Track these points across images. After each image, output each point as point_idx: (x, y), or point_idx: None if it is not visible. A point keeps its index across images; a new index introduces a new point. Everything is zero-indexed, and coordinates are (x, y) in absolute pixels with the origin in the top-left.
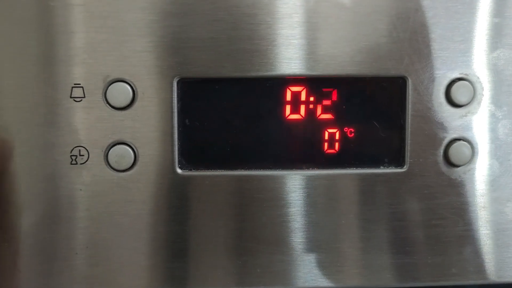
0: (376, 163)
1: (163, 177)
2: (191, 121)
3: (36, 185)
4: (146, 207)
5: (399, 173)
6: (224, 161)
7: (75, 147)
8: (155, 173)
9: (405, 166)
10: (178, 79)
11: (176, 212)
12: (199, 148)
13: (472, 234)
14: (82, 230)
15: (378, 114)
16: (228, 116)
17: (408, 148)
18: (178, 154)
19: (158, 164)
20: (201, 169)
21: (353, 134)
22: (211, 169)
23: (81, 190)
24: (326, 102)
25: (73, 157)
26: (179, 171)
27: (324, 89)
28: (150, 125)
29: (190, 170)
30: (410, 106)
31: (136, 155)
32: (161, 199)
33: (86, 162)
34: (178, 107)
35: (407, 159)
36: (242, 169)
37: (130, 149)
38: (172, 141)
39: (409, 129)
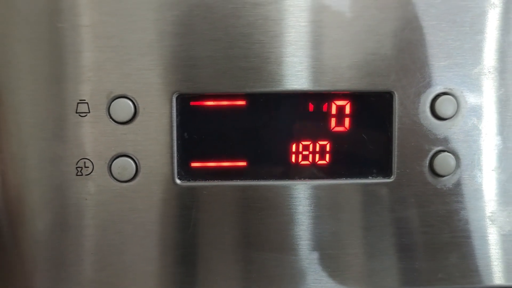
0: (364, 174)
1: (163, 188)
2: (189, 134)
3: (44, 195)
4: (148, 216)
5: (387, 183)
6: (221, 172)
7: (81, 159)
8: (156, 184)
9: (392, 177)
10: (177, 95)
11: (177, 220)
12: (197, 160)
13: (458, 240)
14: (88, 238)
15: (367, 127)
16: (224, 130)
17: (395, 159)
18: (177, 166)
19: (158, 175)
20: (199, 180)
21: (343, 146)
22: (208, 180)
23: (86, 199)
24: (317, 116)
25: (79, 169)
26: (178, 181)
27: (315, 104)
28: (151, 139)
29: (189, 181)
30: (397, 119)
31: (138, 167)
32: (162, 209)
33: (91, 174)
34: (177, 121)
35: (395, 169)
36: (238, 179)
37: (132, 161)
38: (172, 153)
39: (396, 141)
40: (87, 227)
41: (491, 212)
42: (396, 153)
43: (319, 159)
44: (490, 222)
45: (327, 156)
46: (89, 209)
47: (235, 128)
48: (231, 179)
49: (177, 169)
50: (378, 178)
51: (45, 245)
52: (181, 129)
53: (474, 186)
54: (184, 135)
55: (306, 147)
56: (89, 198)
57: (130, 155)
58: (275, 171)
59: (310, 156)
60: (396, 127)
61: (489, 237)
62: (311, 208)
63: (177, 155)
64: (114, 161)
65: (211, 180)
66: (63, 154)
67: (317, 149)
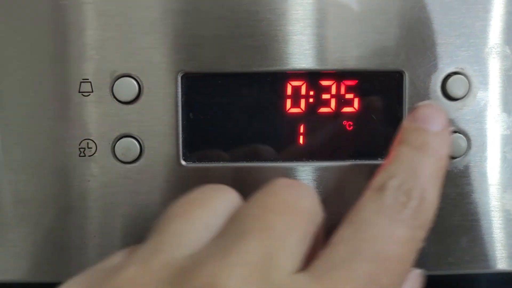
0: (373, 155)
1: (168, 169)
2: (195, 114)
3: (47, 176)
4: (152, 198)
5: None
6: (227, 153)
7: (83, 140)
8: (161, 165)
9: None
10: (182, 74)
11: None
12: (203, 140)
13: (468, 224)
14: (90, 220)
15: (376, 107)
16: (230, 110)
17: None
18: (183, 147)
19: (163, 156)
20: (204, 161)
21: (351, 127)
22: (214, 161)
23: (89, 181)
24: (326, 96)
25: (82, 150)
26: (183, 163)
27: (324, 84)
28: (155, 119)
29: (194, 162)
30: (407, 99)
31: (142, 148)
32: (166, 191)
33: (94, 154)
34: (182, 101)
35: None
36: (244, 161)
37: (136, 142)
38: (177, 134)
39: None
40: (89, 210)
41: (502, 195)
42: None
43: (327, 141)
44: (501, 205)
45: (335, 137)
46: (92, 191)
47: (242, 108)
48: (237, 160)
49: (182, 150)
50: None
51: (47, 227)
52: (187, 109)
53: (485, 168)
54: (190, 115)
55: (314, 128)
56: (92, 180)
57: (134, 136)
58: (282, 152)
59: (318, 137)
60: (406, 108)
61: (499, 221)
62: (318, 190)
63: (182, 136)
64: (118, 142)
65: (217, 161)
66: (65, 135)
67: (325, 130)
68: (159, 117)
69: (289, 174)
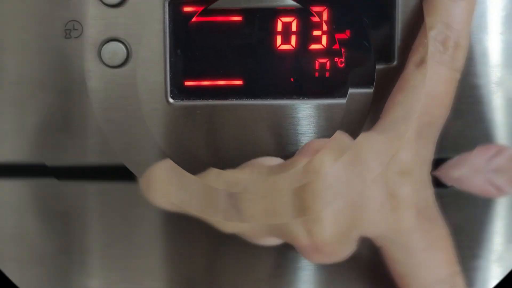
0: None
1: (155, 106)
2: (183, 50)
3: (32, 57)
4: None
5: (389, 68)
6: (216, 91)
7: (69, 21)
8: (147, 102)
9: (394, 62)
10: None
11: (168, 139)
12: (191, 78)
13: (463, 107)
14: (77, 103)
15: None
16: (219, 46)
17: (397, 44)
18: (170, 84)
19: (150, 92)
20: (193, 99)
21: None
22: (202, 99)
23: (76, 63)
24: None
25: (67, 31)
26: (171, 100)
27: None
28: (142, 23)
29: (182, 100)
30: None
31: (129, 52)
32: (153, 127)
33: (80, 36)
34: (170, 27)
35: (397, 55)
36: (233, 98)
37: (123, 46)
38: (165, 70)
39: (399, 25)
40: (76, 92)
41: (498, 77)
42: (398, 37)
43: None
44: (496, 87)
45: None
46: (79, 73)
47: (231, 44)
48: (226, 98)
49: (170, 88)
50: (380, 64)
51: (33, 109)
52: (174, 44)
53: (481, 50)
54: (177, 52)
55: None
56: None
57: (121, 40)
58: (273, 89)
59: (309, 70)
60: (399, 31)
61: (495, 102)
62: (311, 128)
63: (170, 73)
64: (105, 45)
65: (205, 99)
66: (50, 15)
67: (316, 67)
68: (146, 21)
69: (280, 111)
